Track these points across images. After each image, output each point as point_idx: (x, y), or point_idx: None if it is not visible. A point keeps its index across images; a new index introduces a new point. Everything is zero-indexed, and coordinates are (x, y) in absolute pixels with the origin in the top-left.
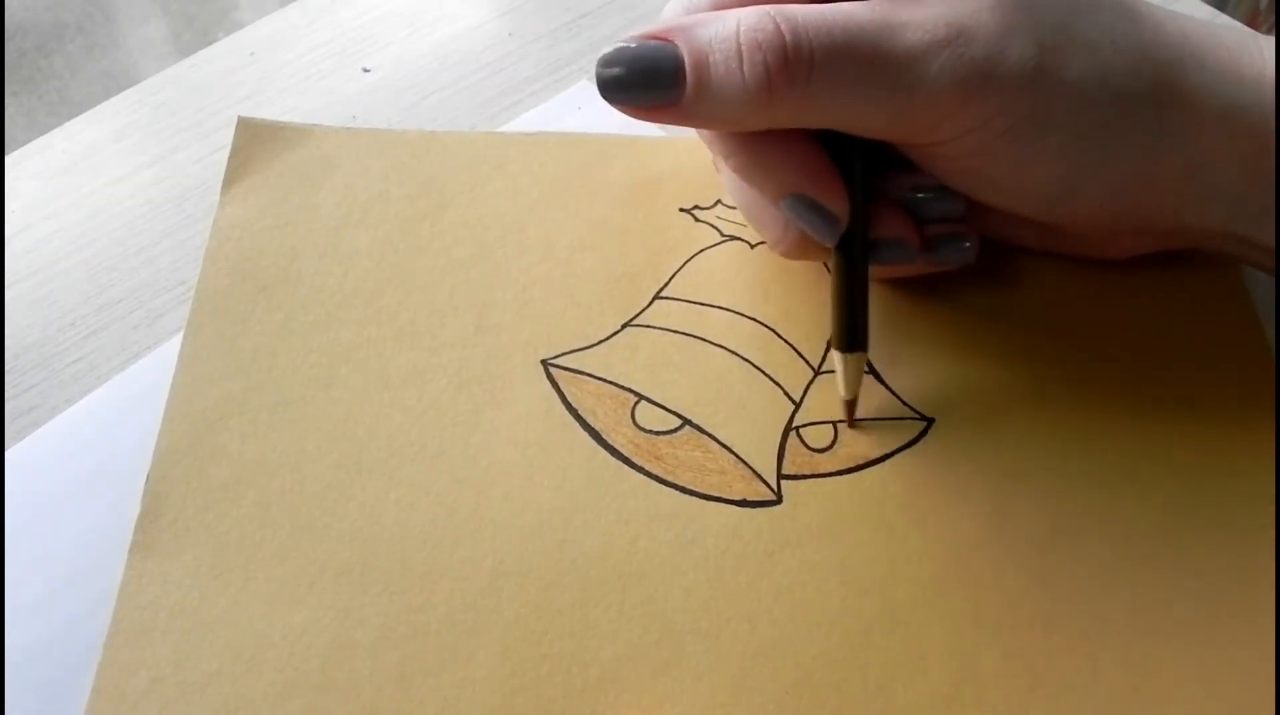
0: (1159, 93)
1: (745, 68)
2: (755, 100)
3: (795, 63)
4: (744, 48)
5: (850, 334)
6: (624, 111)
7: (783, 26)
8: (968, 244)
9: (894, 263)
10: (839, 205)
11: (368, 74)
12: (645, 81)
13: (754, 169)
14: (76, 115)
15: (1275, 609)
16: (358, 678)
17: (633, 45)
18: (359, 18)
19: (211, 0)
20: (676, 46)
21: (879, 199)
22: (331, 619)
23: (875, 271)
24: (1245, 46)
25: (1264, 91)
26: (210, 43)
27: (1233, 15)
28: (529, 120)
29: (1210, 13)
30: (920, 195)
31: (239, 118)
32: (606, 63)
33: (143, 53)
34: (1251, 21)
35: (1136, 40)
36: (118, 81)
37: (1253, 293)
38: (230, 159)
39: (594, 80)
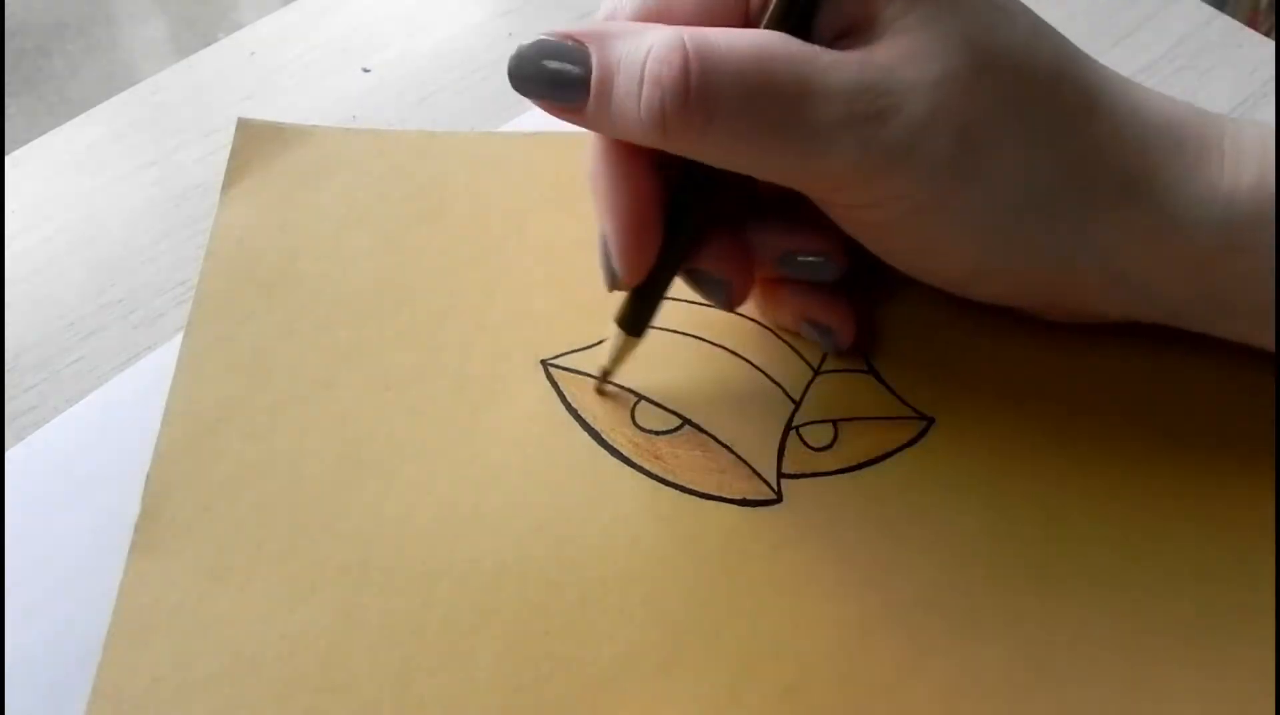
0: (1090, 206)
1: (642, 101)
2: (649, 133)
3: (697, 105)
4: (646, 79)
5: (634, 320)
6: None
7: (692, 63)
8: (835, 335)
9: (713, 300)
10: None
11: (368, 74)
12: (551, 83)
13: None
14: (76, 115)
15: (1275, 608)
16: (358, 677)
17: (550, 42)
18: (359, 18)
19: (211, 0)
20: (589, 56)
21: (727, 234)
22: (332, 619)
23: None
24: (1200, 157)
25: (1215, 209)
26: (210, 43)
27: (1232, 15)
28: (529, 120)
29: (1210, 14)
30: (801, 259)
31: (239, 119)
32: (519, 55)
33: (143, 53)
34: (1251, 21)
35: (1082, 148)
36: (118, 81)
37: None
38: (230, 160)
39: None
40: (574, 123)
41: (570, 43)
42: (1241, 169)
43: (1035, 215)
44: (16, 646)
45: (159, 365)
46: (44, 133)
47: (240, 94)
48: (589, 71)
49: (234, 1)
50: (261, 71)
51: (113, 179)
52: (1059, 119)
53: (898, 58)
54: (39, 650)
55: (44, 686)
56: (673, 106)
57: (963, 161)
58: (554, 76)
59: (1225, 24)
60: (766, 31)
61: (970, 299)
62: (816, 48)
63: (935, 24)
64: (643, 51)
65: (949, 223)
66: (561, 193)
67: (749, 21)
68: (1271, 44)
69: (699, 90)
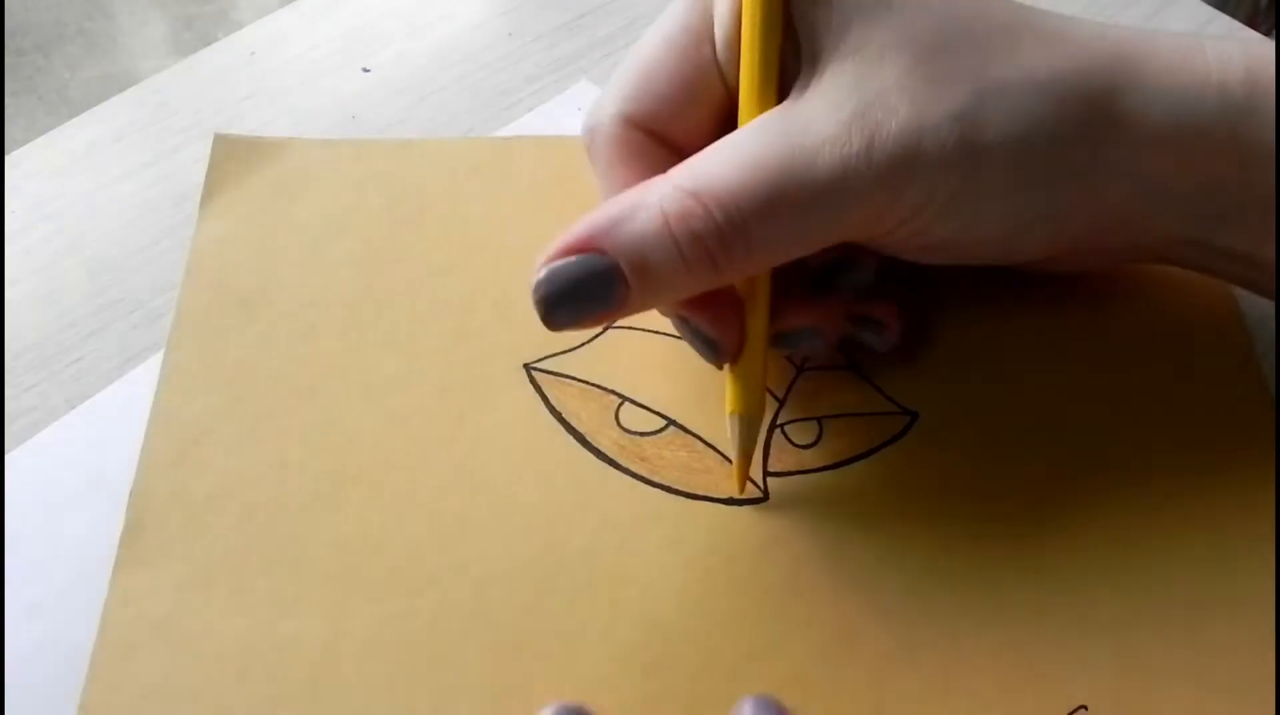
0: (1092, 125)
1: (688, 259)
2: (704, 281)
3: (733, 238)
4: (680, 240)
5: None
6: (571, 329)
7: (710, 205)
8: (885, 331)
9: (810, 351)
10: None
11: (368, 74)
12: (591, 299)
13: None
14: (76, 115)
15: (1275, 602)
16: (347, 687)
17: (567, 265)
18: (359, 18)
19: (211, 0)
20: (611, 257)
21: (789, 288)
22: (319, 629)
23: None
24: (1186, 55)
25: (1207, 99)
26: (210, 43)
27: (1233, 15)
28: (530, 121)
29: (1210, 14)
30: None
31: (215, 134)
32: (545, 292)
33: (143, 53)
34: (1252, 21)
35: (1062, 73)
36: (118, 81)
37: (1241, 301)
38: (208, 175)
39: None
40: (616, 318)
41: (579, 255)
42: (1227, 65)
43: (1049, 158)
44: (16, 646)
45: (160, 367)
46: (44, 133)
47: (240, 94)
48: (618, 271)
49: (234, 1)
50: (261, 71)
51: (113, 179)
52: (1038, 56)
53: (850, 85)
54: (39, 650)
55: (43, 687)
56: (716, 245)
57: (965, 141)
58: (589, 293)
59: (1225, 24)
60: (745, 132)
61: (1016, 264)
62: (795, 112)
63: (870, 31)
64: (659, 221)
65: (976, 202)
66: (540, 196)
67: (724, 84)
68: (1271, 44)
69: (728, 223)
